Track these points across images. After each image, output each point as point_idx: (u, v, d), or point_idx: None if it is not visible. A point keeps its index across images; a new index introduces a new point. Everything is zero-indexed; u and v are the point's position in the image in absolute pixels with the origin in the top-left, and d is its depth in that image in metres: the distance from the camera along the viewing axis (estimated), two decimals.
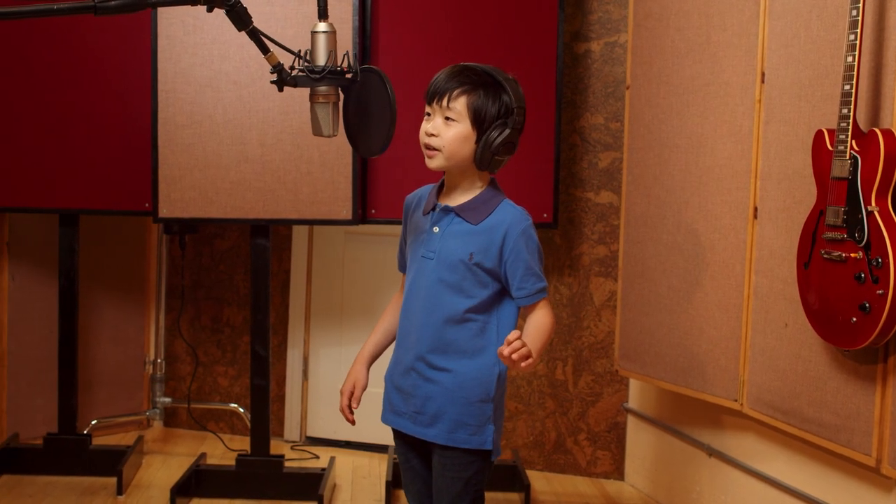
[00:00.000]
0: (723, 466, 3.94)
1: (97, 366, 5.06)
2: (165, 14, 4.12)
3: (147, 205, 4.29)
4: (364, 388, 2.89)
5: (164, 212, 4.18)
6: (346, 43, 4.07)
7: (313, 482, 4.25)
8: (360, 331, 4.99)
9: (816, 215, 3.03)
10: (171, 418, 5.34)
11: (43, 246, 4.75)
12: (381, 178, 4.25)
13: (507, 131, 2.62)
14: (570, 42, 4.64)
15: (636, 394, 4.62)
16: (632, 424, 4.65)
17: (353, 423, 2.86)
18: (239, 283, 5.17)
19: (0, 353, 4.72)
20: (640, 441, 4.59)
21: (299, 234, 5.11)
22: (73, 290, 4.49)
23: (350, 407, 2.87)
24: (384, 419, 2.87)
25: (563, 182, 4.64)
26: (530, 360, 2.45)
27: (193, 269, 5.25)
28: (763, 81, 3.48)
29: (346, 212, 4.14)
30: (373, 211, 4.27)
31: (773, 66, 3.43)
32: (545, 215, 4.26)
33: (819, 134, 3.03)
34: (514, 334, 2.44)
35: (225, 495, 4.29)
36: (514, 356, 2.41)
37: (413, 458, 2.85)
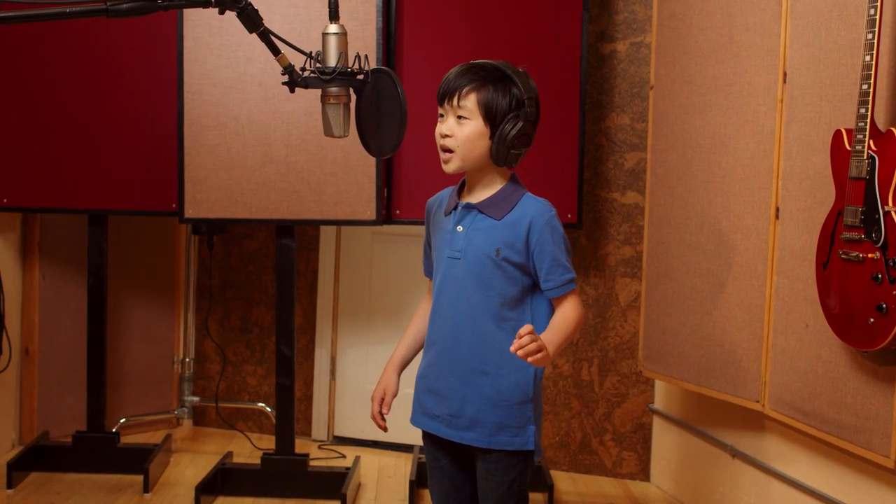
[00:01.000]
0: (746, 468, 3.92)
1: (127, 365, 5.11)
2: (191, 16, 4.16)
3: (174, 205, 4.33)
4: (394, 395, 2.88)
5: (190, 212, 4.21)
6: (370, 44, 4.09)
7: (337, 481, 4.27)
8: (388, 331, 5.01)
9: (835, 215, 3.01)
10: (200, 417, 5.39)
11: (73, 246, 4.80)
12: (406, 178, 4.26)
13: (521, 123, 2.62)
14: (595, 42, 4.64)
15: (662, 395, 4.61)
16: (657, 425, 4.64)
17: (384, 429, 2.86)
18: (268, 283, 5.21)
19: (31, 352, 4.78)
20: (665, 442, 4.58)
21: (327, 234, 5.14)
22: (101, 289, 4.53)
23: (381, 413, 2.87)
24: (414, 421, 2.85)
25: (588, 182, 4.64)
26: (541, 355, 2.42)
27: (223, 270, 5.29)
28: (785, 81, 3.46)
29: (369, 212, 4.16)
30: (397, 211, 4.28)
31: (795, 66, 3.41)
32: (569, 216, 4.25)
33: (837, 133, 3.01)
34: (525, 328, 2.41)
35: (250, 494, 4.32)
36: (520, 352, 2.39)
37: (442, 458, 2.83)
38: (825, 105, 3.25)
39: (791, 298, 3.42)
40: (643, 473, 4.70)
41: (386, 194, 4.25)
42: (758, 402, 3.60)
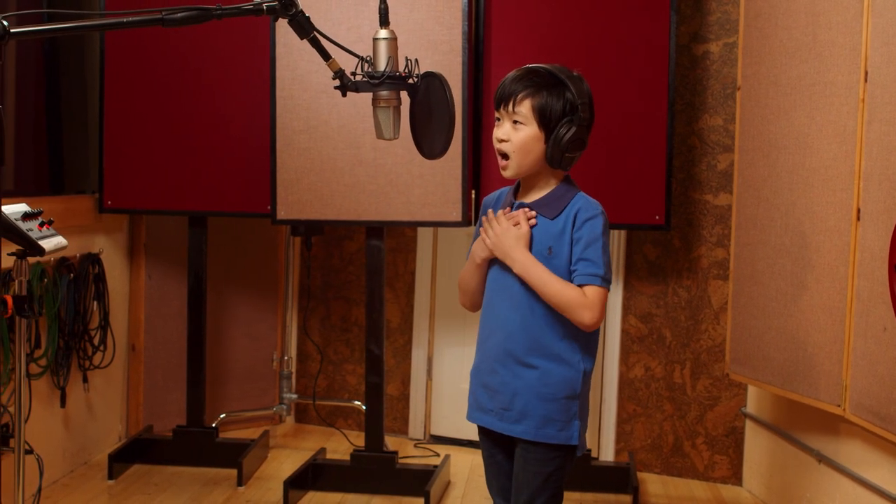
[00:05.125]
0: (831, 473, 3.86)
1: (230, 362, 5.27)
2: (283, 22, 4.25)
3: (268, 207, 4.45)
4: None
5: (282, 214, 4.33)
6: (456, 48, 4.15)
7: (424, 478, 4.33)
8: None
9: None
10: (303, 414, 5.51)
11: (178, 247, 4.96)
12: (493, 181, 4.30)
13: (574, 128, 2.65)
14: (688, 43, 4.62)
15: (754, 398, 4.56)
16: (750, 429, 4.59)
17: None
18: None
19: (137, 349, 4.96)
20: (757, 446, 4.53)
21: (424, 235, 5.22)
22: (201, 288, 4.69)
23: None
24: (470, 417, 2.90)
25: (681, 184, 4.62)
26: (485, 240, 2.74)
27: (324, 270, 5.41)
28: (866, 80, 3.41)
29: (455, 214, 4.21)
30: None
31: (876, 65, 3.36)
32: (657, 217, 4.24)
33: None
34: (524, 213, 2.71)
35: (339, 489, 4.42)
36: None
37: (498, 454, 2.89)
38: None
39: (871, 301, 3.36)
40: (735, 478, 4.65)
41: (473, 196, 4.30)
42: (839, 406, 3.55)
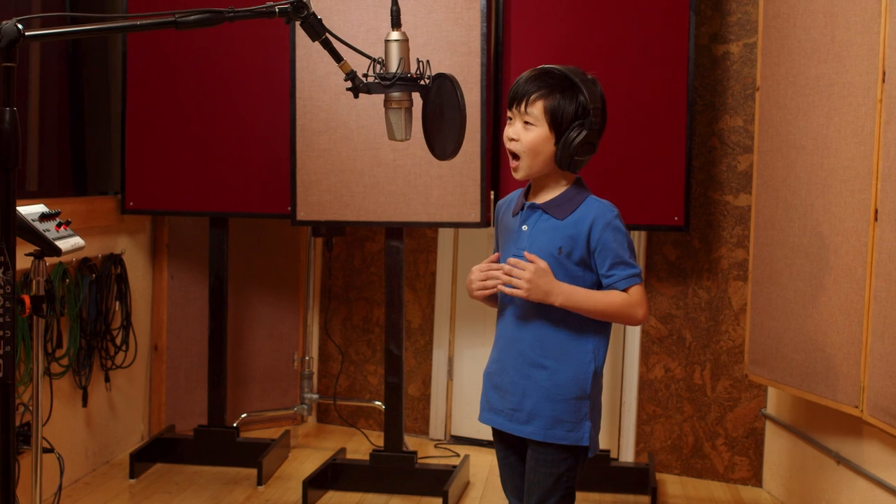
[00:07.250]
0: (850, 475, 3.85)
1: (252, 362, 5.30)
2: None
3: (288, 208, 4.47)
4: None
5: (302, 215, 4.35)
6: (475, 49, 4.16)
7: (443, 478, 4.34)
8: None
9: None
10: (324, 414, 5.54)
11: (200, 248, 5.00)
12: (512, 181, 4.31)
13: (585, 132, 2.67)
14: (708, 44, 4.61)
15: (774, 399, 4.54)
16: (770, 430, 4.58)
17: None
18: None
19: (160, 349, 5.00)
20: (777, 447, 4.52)
21: (445, 236, 5.23)
22: (222, 288, 4.72)
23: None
24: (481, 418, 2.93)
25: (701, 185, 4.62)
26: (521, 290, 2.68)
27: (346, 271, 5.43)
28: (884, 80, 3.39)
29: (474, 215, 4.22)
30: None
31: (894, 65, 3.35)
32: (676, 218, 4.24)
33: None
34: (519, 262, 2.70)
35: (358, 489, 4.44)
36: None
37: (511, 455, 2.91)
38: None
39: (889, 302, 3.35)
40: (755, 479, 4.64)
41: (493, 197, 4.30)
42: (857, 407, 3.53)
